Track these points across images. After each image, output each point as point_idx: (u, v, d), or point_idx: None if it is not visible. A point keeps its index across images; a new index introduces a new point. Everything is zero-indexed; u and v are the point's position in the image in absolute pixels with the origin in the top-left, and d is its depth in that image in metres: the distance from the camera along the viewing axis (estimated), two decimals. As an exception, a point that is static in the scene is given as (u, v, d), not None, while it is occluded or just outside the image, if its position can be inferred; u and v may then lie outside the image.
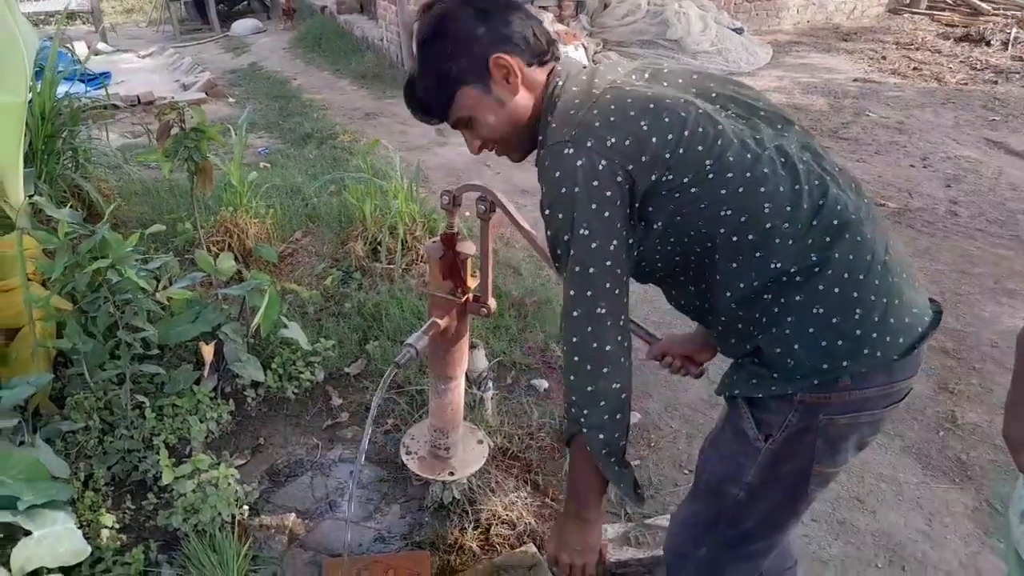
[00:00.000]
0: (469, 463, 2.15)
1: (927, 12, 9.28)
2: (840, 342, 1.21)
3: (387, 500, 2.37)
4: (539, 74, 1.35)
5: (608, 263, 1.22)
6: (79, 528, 1.99)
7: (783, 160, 1.23)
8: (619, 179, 1.19)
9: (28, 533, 1.84)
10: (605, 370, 1.28)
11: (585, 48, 7.15)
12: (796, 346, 1.23)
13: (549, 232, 1.27)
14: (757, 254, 1.22)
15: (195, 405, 2.58)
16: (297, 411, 2.78)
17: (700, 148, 1.20)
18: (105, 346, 2.54)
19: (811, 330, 1.22)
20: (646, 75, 1.33)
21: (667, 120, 1.20)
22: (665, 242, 1.28)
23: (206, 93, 7.24)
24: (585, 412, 1.32)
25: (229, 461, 2.37)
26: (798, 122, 1.36)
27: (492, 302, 1.89)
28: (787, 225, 1.20)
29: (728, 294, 1.27)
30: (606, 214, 1.19)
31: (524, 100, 1.34)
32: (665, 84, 1.31)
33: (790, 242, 1.20)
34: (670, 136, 1.19)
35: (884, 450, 2.54)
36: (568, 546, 1.52)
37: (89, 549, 1.93)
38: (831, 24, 9.21)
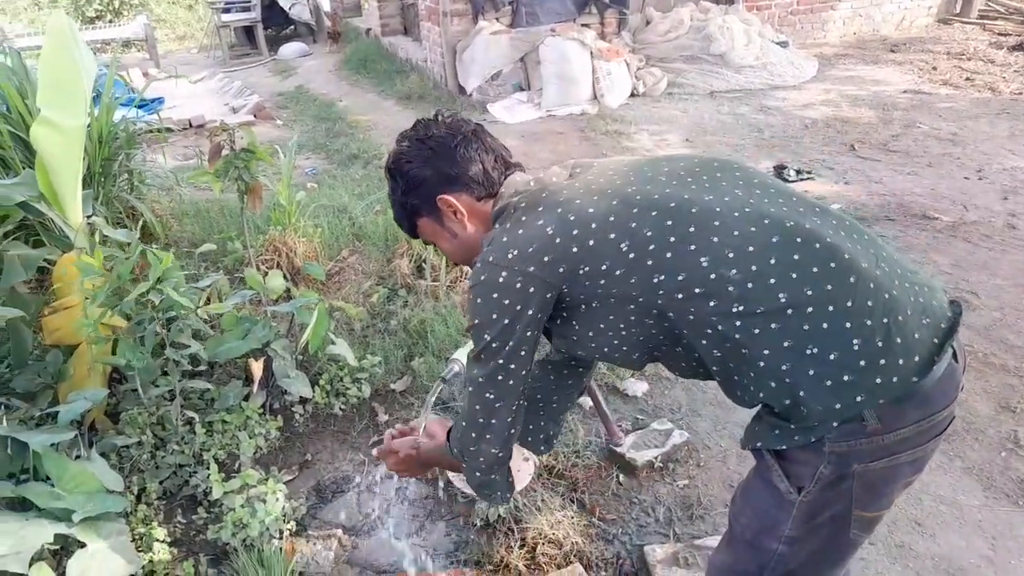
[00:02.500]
0: (515, 481, 2.13)
1: (978, 21, 9.06)
2: (846, 377, 1.15)
3: (432, 517, 2.37)
4: (490, 205, 1.46)
5: (501, 361, 1.34)
6: (131, 541, 2.03)
7: (719, 210, 1.22)
8: (518, 285, 1.26)
9: (83, 545, 1.88)
10: (488, 436, 1.44)
11: (628, 64, 7.15)
12: (801, 392, 1.18)
13: (467, 323, 1.43)
14: (711, 303, 1.19)
15: (244, 421, 2.62)
16: (344, 427, 2.80)
17: (612, 236, 1.24)
18: (156, 363, 2.59)
19: (811, 372, 1.17)
20: (592, 172, 1.40)
21: (572, 219, 1.26)
22: (615, 324, 1.31)
23: (255, 116, 7.40)
24: (465, 460, 1.51)
25: (277, 477, 2.39)
26: (743, 164, 1.37)
27: (538, 318, 1.88)
28: (735, 271, 1.18)
29: (704, 342, 1.25)
30: (505, 321, 1.29)
31: (475, 232, 1.47)
32: (608, 176, 1.35)
33: (749, 285, 1.17)
34: (575, 232, 1.25)
35: (944, 471, 2.45)
36: (409, 469, 1.82)
37: (141, 562, 1.96)
38: (878, 36, 9.05)
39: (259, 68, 10.53)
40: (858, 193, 4.70)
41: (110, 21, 12.64)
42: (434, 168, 1.43)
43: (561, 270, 1.26)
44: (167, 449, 2.49)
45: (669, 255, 1.21)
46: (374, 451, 1.91)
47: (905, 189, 4.72)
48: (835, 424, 1.18)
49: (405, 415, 2.83)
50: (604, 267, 1.24)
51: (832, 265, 1.18)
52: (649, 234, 1.22)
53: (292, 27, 12.54)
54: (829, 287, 1.16)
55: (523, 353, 1.34)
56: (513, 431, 1.46)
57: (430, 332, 3.20)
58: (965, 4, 9.35)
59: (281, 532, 2.22)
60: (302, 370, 2.78)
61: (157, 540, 2.15)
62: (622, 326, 1.31)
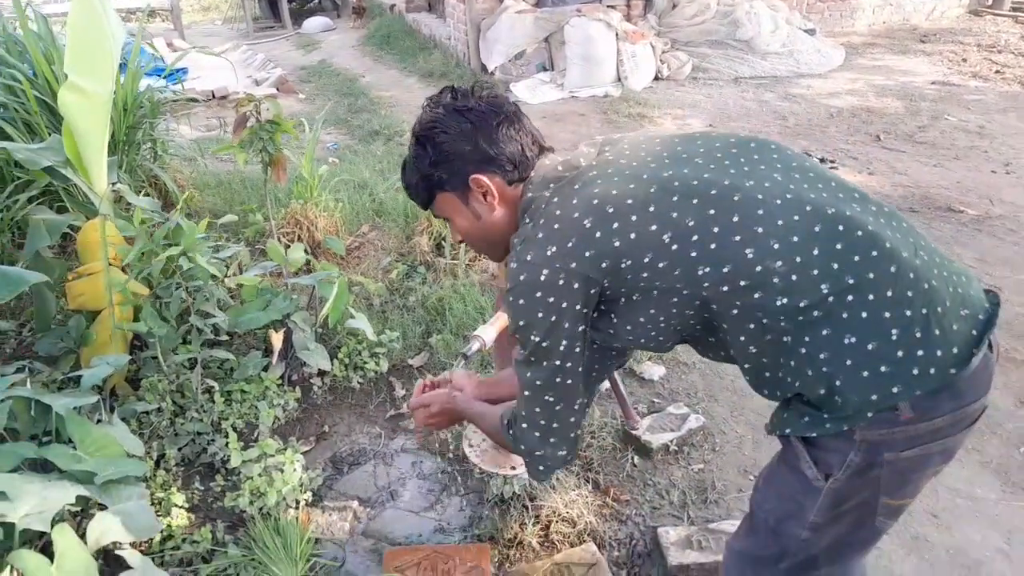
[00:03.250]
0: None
1: (1010, 14, 8.91)
2: (883, 368, 1.13)
3: (448, 492, 2.38)
4: (519, 190, 1.39)
5: (557, 362, 1.29)
6: (151, 505, 2.05)
7: (760, 198, 1.18)
8: (561, 282, 1.22)
9: (103, 507, 1.91)
10: (553, 440, 1.40)
11: (653, 47, 7.08)
12: (838, 383, 1.16)
13: (511, 327, 1.36)
14: (756, 295, 1.17)
15: (263, 391, 2.64)
16: (361, 401, 2.82)
17: (654, 227, 1.19)
18: (178, 331, 2.61)
19: (848, 362, 1.15)
20: (624, 152, 1.34)
21: (611, 211, 1.21)
22: (653, 316, 1.28)
23: (277, 89, 7.40)
24: (527, 461, 1.47)
25: (295, 447, 2.41)
26: (779, 146, 1.32)
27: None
28: (780, 263, 1.15)
29: (742, 338, 1.23)
30: (552, 319, 1.24)
31: (501, 217, 1.40)
32: (641, 158, 1.30)
33: (793, 277, 1.15)
34: (615, 225, 1.20)
35: (960, 465, 2.44)
36: (441, 422, 1.81)
37: (160, 526, 1.99)
38: (908, 25, 8.92)
39: (282, 41, 10.53)
40: (882, 184, 4.64)
41: (135, -10, 12.64)
42: (473, 144, 1.34)
43: (604, 265, 1.21)
44: (186, 417, 2.52)
45: (713, 246, 1.17)
46: (406, 404, 1.89)
47: (930, 181, 4.67)
48: (869, 414, 1.16)
49: (422, 391, 2.85)
50: (647, 260, 1.20)
51: (874, 254, 1.15)
52: (691, 224, 1.18)
53: (316, 1, 12.52)
54: (871, 275, 1.14)
55: (576, 350, 1.29)
56: (578, 432, 1.43)
57: (448, 309, 3.21)
58: (998, -4, 9.19)
59: (297, 502, 2.24)
60: (321, 343, 2.79)
61: (175, 505, 2.18)
62: (662, 318, 1.28)
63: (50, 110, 3.43)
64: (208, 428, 2.51)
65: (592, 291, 1.24)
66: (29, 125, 3.45)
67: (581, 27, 6.78)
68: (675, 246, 1.18)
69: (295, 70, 8.50)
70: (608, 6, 7.40)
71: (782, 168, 1.25)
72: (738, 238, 1.16)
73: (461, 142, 1.34)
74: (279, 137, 2.90)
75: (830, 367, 1.16)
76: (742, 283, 1.17)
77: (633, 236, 1.20)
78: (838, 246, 1.15)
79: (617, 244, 1.20)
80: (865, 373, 1.14)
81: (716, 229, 1.17)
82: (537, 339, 1.27)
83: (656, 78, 7.13)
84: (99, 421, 2.23)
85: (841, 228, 1.16)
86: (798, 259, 1.15)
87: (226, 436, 2.41)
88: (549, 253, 1.22)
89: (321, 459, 2.54)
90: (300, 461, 2.31)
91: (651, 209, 1.20)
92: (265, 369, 2.70)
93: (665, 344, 1.36)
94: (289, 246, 2.91)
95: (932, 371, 1.13)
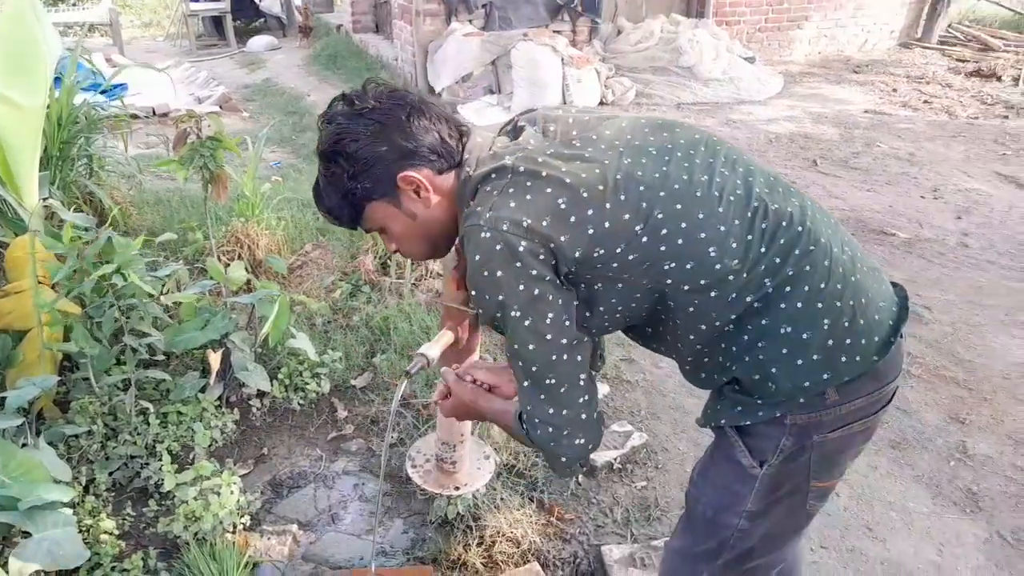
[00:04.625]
0: (475, 478, 2.12)
1: (938, 47, 9.30)
2: (815, 356, 1.20)
3: (390, 514, 2.35)
4: (452, 177, 1.32)
5: (548, 336, 1.19)
6: (79, 533, 1.97)
7: (718, 195, 1.20)
8: (541, 256, 1.15)
9: (28, 535, 1.83)
10: (567, 431, 1.26)
11: (598, 73, 7.19)
12: (773, 369, 1.22)
13: (480, 311, 1.23)
14: (712, 293, 1.20)
15: (200, 413, 2.57)
16: (302, 422, 2.76)
17: (627, 217, 1.17)
18: (111, 351, 2.53)
19: (784, 351, 1.21)
20: (572, 136, 1.28)
21: (585, 195, 1.16)
22: (612, 306, 1.26)
23: (220, 107, 7.29)
24: (547, 457, 1.33)
25: (232, 470, 2.35)
26: (719, 139, 1.33)
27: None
28: (736, 261, 1.18)
29: (692, 336, 1.27)
30: (535, 292, 1.16)
31: (438, 210, 1.32)
32: (594, 143, 1.25)
33: (745, 275, 1.19)
34: (590, 212, 1.16)
35: (894, 479, 2.51)
36: (459, 414, 1.57)
37: (88, 554, 1.91)
38: (842, 56, 9.24)
39: (226, 60, 10.37)
40: (819, 207, 4.78)
41: (73, 4, 12.35)
42: (389, 143, 1.25)
43: (576, 255, 1.17)
44: (119, 440, 2.43)
45: (681, 241, 1.17)
46: (434, 397, 1.61)
47: (864, 205, 4.83)
48: (800, 400, 1.23)
49: (364, 411, 2.81)
50: (619, 250, 1.18)
51: (811, 248, 1.21)
52: (661, 216, 1.17)
53: (262, 20, 12.39)
54: (807, 268, 1.20)
55: (566, 322, 1.20)
56: (595, 414, 1.29)
57: (393, 329, 3.18)
58: (926, 30, 9.60)
59: (235, 526, 2.18)
60: (261, 363, 2.73)
61: (105, 532, 2.10)
62: (620, 308, 1.26)
63: (-22, 124, 3.31)
64: (142, 451, 2.43)
65: (560, 278, 1.19)
66: (-44, 139, 3.32)
67: (527, 51, 6.85)
68: (645, 238, 1.18)
69: (239, 88, 8.39)
70: (554, 31, 7.50)
71: (726, 162, 1.27)
72: (703, 235, 1.18)
73: (376, 144, 1.25)
74: (221, 154, 2.85)
75: (766, 355, 1.22)
76: (702, 282, 1.19)
77: (607, 224, 1.17)
78: (782, 241, 1.20)
79: (591, 231, 1.16)
80: (799, 361, 1.20)
81: (684, 224, 1.18)
82: (517, 314, 1.16)
83: (601, 103, 7.23)
84: (24, 445, 2.14)
85: (784, 224, 1.21)
86: (750, 256, 1.19)
87: (160, 459, 2.34)
88: (525, 224, 1.14)
89: (260, 482, 2.48)
90: (238, 484, 2.25)
91: (622, 197, 1.17)
92: (202, 390, 2.63)
93: (610, 330, 1.35)
94: (229, 264, 2.85)
95: (857, 359, 1.21)
